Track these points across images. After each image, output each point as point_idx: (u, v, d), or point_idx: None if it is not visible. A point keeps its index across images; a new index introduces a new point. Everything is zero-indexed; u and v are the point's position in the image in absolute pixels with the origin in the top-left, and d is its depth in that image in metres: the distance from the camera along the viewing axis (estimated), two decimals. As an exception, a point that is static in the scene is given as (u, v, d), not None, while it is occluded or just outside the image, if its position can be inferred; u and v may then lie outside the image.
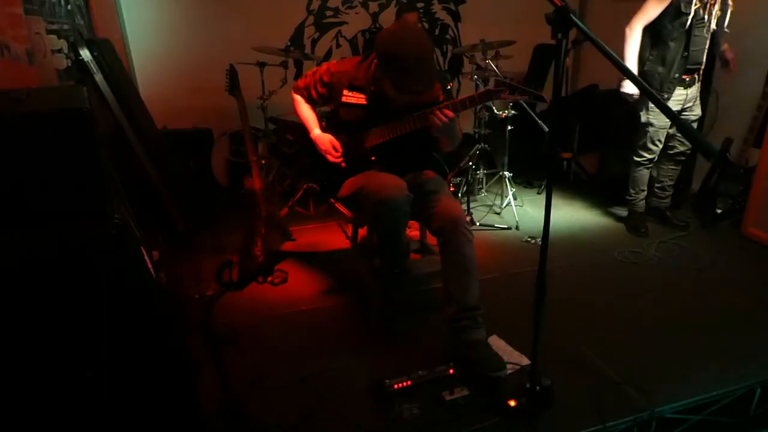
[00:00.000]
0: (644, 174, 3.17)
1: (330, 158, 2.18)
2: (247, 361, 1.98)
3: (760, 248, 2.96)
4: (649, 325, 2.22)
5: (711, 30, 2.79)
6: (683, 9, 2.69)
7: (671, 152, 3.15)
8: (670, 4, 2.70)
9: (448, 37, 4.62)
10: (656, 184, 3.32)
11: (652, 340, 2.11)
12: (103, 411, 1.22)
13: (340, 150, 2.19)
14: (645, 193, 3.24)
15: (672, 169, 3.24)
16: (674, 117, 1.24)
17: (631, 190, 3.24)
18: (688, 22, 2.70)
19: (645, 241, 3.08)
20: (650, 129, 3.00)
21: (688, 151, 3.16)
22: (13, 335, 1.12)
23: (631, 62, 2.83)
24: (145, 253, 1.35)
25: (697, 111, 3.04)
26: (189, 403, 1.35)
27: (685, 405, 1.75)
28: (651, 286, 2.58)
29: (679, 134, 3.05)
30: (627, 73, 1.20)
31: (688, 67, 2.83)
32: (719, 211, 3.26)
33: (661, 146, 3.05)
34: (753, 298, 2.44)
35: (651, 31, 2.82)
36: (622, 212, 3.43)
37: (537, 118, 3.46)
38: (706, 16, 2.73)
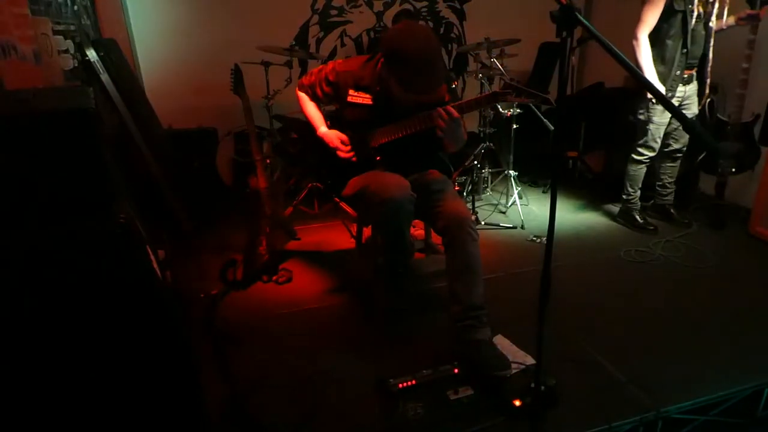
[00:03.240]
0: (643, 171, 3.19)
1: (341, 153, 2.17)
2: (251, 360, 1.99)
3: (767, 247, 2.94)
4: (656, 325, 2.21)
5: (709, 24, 2.78)
6: (676, 6, 2.70)
7: (668, 150, 3.16)
8: (664, 4, 2.70)
9: (452, 35, 4.61)
10: (657, 183, 3.33)
11: (658, 340, 2.09)
12: (107, 410, 1.23)
13: (349, 145, 2.17)
14: (640, 191, 3.27)
15: (670, 166, 3.24)
16: (681, 116, 1.23)
17: (629, 189, 3.25)
18: (685, 19, 2.70)
19: (651, 240, 3.07)
20: (651, 126, 3.00)
21: (684, 148, 3.16)
22: (17, 334, 1.12)
23: (648, 70, 2.82)
24: (150, 252, 1.35)
25: (694, 108, 3.03)
26: (193, 402, 1.35)
27: (692, 405, 1.73)
28: (657, 285, 2.57)
29: (674, 132, 3.09)
30: (631, 71, 1.19)
31: (689, 62, 2.83)
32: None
33: (660, 143, 3.07)
34: (760, 298, 2.42)
35: (649, 33, 2.81)
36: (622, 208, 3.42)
37: (542, 117, 3.45)
38: (699, 10, 2.72)
